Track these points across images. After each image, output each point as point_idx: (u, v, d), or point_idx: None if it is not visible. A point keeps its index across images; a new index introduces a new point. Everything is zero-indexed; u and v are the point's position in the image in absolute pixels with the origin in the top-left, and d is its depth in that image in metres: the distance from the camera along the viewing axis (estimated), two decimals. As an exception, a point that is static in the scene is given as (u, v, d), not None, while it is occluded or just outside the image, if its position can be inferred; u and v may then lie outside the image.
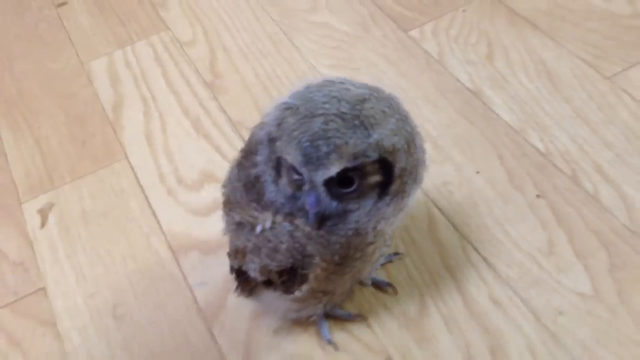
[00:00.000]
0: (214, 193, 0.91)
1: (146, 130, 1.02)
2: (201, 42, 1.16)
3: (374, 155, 0.58)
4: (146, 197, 0.93)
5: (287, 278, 0.65)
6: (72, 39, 1.21)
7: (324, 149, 0.56)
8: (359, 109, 0.57)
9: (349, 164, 0.57)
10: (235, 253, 0.69)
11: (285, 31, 1.15)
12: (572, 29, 1.05)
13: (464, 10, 1.12)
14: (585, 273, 0.76)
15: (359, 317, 0.76)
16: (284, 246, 0.63)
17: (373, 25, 1.13)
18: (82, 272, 0.86)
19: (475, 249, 0.80)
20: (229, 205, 0.68)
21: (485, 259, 0.79)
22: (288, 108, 0.58)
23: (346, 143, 0.56)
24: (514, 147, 0.90)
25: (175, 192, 0.93)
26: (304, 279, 0.64)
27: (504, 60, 1.03)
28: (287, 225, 0.62)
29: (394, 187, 0.60)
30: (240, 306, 0.79)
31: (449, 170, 0.89)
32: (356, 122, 0.57)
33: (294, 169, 0.59)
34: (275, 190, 0.62)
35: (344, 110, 0.57)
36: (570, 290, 0.75)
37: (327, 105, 0.57)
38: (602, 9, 1.07)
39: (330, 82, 0.60)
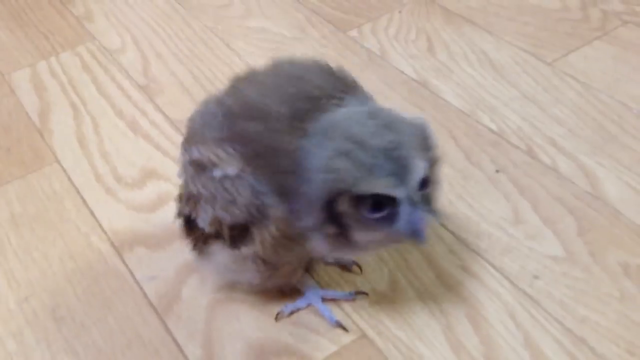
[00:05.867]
0: (158, 190, 0.86)
1: (78, 133, 0.95)
2: (131, 49, 1.11)
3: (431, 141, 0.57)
4: (82, 198, 0.85)
5: (237, 233, 0.60)
6: (-10, 53, 1.14)
7: (404, 153, 0.53)
8: (383, 117, 0.55)
9: (427, 159, 0.55)
10: (188, 199, 0.63)
11: (220, 37, 1.12)
12: (507, 23, 1.07)
13: (399, 12, 1.13)
14: (555, 238, 0.74)
15: (362, 294, 0.71)
16: (242, 200, 0.57)
17: (310, 28, 1.11)
18: (14, 276, 0.77)
19: (442, 224, 0.77)
20: (192, 140, 0.62)
21: (452, 233, 0.76)
22: (338, 155, 0.53)
23: (412, 140, 0.54)
24: (467, 128, 0.89)
25: (114, 190, 0.86)
26: (252, 239, 0.59)
27: (446, 53, 1.02)
28: (250, 179, 0.57)
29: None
30: (196, 296, 0.72)
31: (404, 152, 0.86)
32: (393, 126, 0.54)
33: (372, 208, 0.54)
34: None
35: (379, 123, 0.54)
36: (542, 254, 0.73)
37: (364, 129, 0.54)
38: (533, 5, 1.10)
39: (332, 126, 0.56)
